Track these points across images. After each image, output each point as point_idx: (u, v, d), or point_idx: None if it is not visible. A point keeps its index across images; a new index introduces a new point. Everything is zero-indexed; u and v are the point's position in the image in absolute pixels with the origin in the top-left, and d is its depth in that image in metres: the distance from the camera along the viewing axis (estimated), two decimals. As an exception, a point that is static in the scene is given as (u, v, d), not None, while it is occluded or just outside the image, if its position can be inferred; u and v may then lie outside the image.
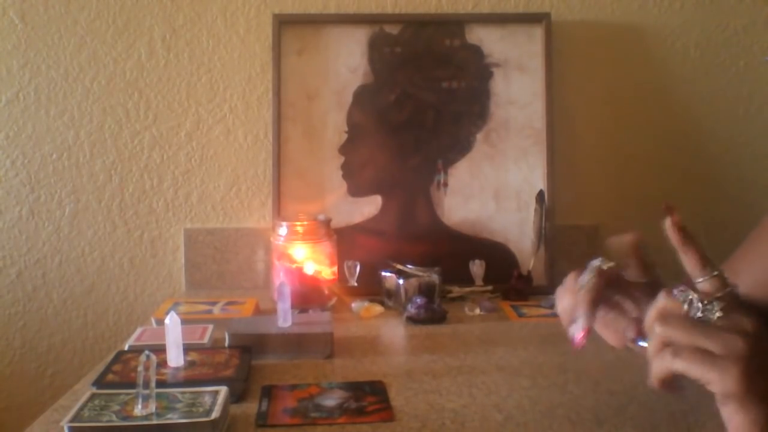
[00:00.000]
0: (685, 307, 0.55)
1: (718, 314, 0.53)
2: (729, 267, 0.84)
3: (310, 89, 1.32)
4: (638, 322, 0.63)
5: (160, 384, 0.73)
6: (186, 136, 1.34)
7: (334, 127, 1.32)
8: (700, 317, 0.54)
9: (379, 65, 1.32)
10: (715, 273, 0.56)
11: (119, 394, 0.71)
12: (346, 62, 1.32)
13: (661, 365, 0.53)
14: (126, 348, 0.92)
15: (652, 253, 1.47)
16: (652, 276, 0.69)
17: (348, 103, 1.32)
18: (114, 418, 0.66)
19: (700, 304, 0.54)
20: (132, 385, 0.69)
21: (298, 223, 1.18)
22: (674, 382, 0.54)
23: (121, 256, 1.35)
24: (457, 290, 1.23)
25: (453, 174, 1.32)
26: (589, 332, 0.64)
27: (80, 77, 1.32)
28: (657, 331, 0.54)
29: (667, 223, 0.59)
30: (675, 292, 0.56)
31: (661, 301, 0.57)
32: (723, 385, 0.50)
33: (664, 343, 0.54)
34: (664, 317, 0.55)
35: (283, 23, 1.31)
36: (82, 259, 1.35)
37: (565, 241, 1.34)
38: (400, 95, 1.32)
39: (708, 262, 0.57)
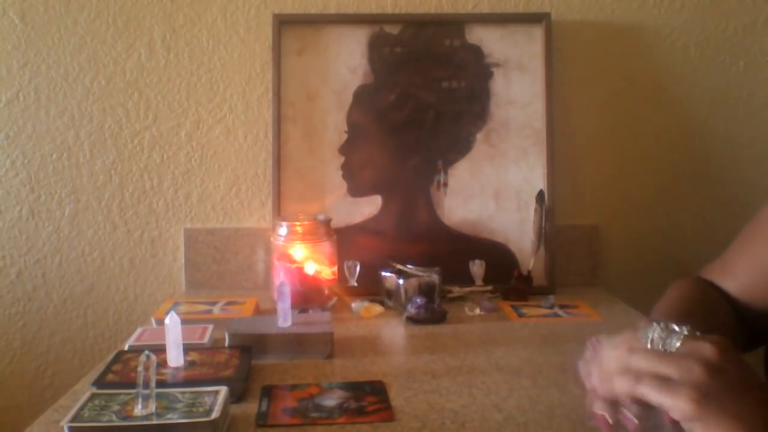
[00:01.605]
0: (648, 341, 0.57)
1: (677, 344, 0.56)
2: (723, 266, 0.84)
3: (310, 89, 1.32)
4: None
5: (160, 384, 0.73)
6: (186, 136, 1.34)
7: (334, 127, 1.32)
8: (661, 349, 0.56)
9: (379, 65, 1.32)
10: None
11: (119, 394, 0.72)
12: (346, 62, 1.32)
13: (621, 387, 0.55)
14: (126, 348, 0.92)
15: (653, 252, 1.47)
16: None
17: (348, 103, 1.32)
18: (114, 418, 0.66)
19: (660, 336, 0.57)
20: (132, 385, 0.69)
21: (298, 223, 1.18)
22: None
23: (121, 256, 1.35)
24: (457, 290, 1.23)
25: (453, 174, 1.32)
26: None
27: (80, 77, 1.32)
28: (621, 360, 0.57)
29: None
30: (639, 329, 0.59)
31: (626, 336, 0.59)
32: (679, 410, 0.52)
33: (627, 369, 0.56)
34: (629, 348, 0.57)
35: (283, 23, 1.31)
36: (82, 259, 1.35)
37: (565, 241, 1.34)
38: (400, 95, 1.32)
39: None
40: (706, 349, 0.54)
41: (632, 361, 0.56)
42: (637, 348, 0.57)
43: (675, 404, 0.52)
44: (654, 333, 0.57)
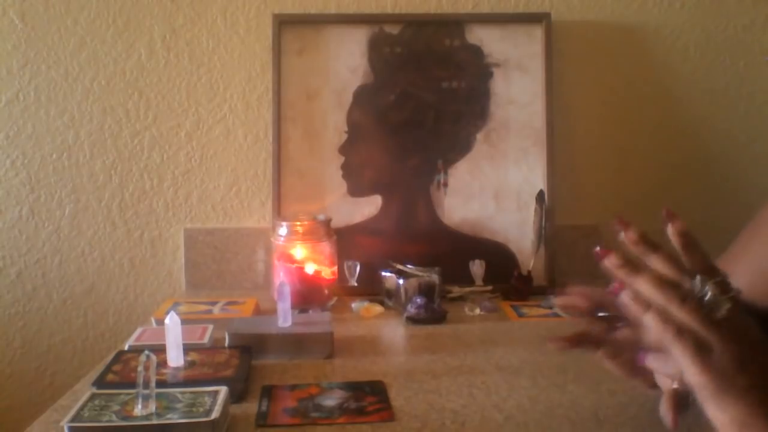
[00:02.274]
0: (699, 294, 0.55)
1: (723, 312, 0.54)
2: (723, 267, 0.84)
3: (310, 89, 1.32)
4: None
5: (160, 384, 0.73)
6: (186, 136, 1.34)
7: (334, 127, 1.32)
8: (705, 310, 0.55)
9: (379, 65, 1.32)
10: (719, 279, 0.57)
11: (119, 394, 0.72)
12: (346, 62, 1.32)
13: (656, 330, 0.54)
14: (126, 348, 0.92)
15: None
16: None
17: (348, 103, 1.32)
18: (114, 418, 0.66)
19: (711, 298, 0.55)
20: (132, 385, 0.69)
21: (298, 223, 1.18)
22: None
23: (121, 256, 1.35)
24: (457, 290, 1.23)
25: (453, 174, 1.32)
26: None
27: (80, 77, 1.32)
28: (668, 304, 0.55)
29: (670, 230, 0.59)
30: (694, 281, 0.56)
31: (678, 267, 0.58)
32: (695, 376, 0.51)
33: (668, 319, 0.54)
34: (679, 297, 0.55)
35: (283, 23, 1.31)
36: (82, 259, 1.35)
37: (565, 241, 1.34)
38: (400, 95, 1.32)
39: (712, 268, 0.58)
40: (747, 329, 0.54)
41: (680, 313, 0.54)
42: (687, 301, 0.55)
43: (696, 369, 0.51)
44: (708, 289, 0.55)
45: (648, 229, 1.50)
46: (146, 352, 0.69)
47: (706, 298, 0.55)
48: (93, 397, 0.71)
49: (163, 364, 0.81)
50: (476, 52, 1.32)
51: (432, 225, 1.31)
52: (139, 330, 0.98)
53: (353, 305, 1.16)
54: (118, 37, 1.32)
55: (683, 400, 0.58)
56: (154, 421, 0.66)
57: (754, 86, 1.37)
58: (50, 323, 1.36)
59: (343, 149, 1.32)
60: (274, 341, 0.92)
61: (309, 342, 0.92)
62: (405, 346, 1.01)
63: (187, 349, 0.85)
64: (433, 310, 1.09)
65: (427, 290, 1.13)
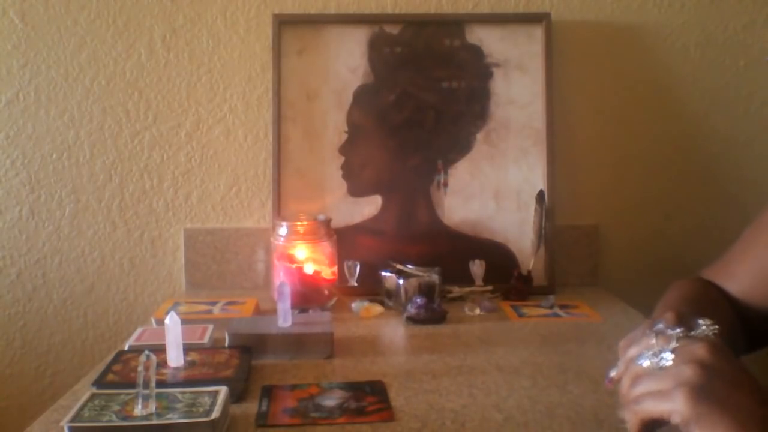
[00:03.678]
0: (646, 363, 0.57)
1: (671, 358, 0.56)
2: (724, 268, 0.84)
3: (310, 89, 1.32)
4: None
5: (160, 384, 0.73)
6: (186, 136, 1.34)
7: (334, 127, 1.32)
8: (659, 368, 0.56)
9: (379, 65, 1.32)
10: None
11: (119, 394, 0.72)
12: (346, 62, 1.32)
13: (631, 417, 0.56)
14: (126, 348, 0.92)
15: (652, 252, 1.47)
16: None
17: (348, 103, 1.32)
18: (114, 418, 0.66)
19: (655, 359, 0.57)
20: (132, 385, 0.69)
21: (299, 223, 1.18)
22: None
23: (121, 256, 1.35)
24: (457, 290, 1.23)
25: (453, 174, 1.32)
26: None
27: (80, 77, 1.32)
28: (624, 394, 0.58)
29: None
30: (638, 355, 0.58)
31: (625, 368, 0.60)
32: (678, 413, 0.52)
33: (627, 400, 0.57)
34: (630, 380, 0.58)
35: (283, 23, 1.31)
36: (82, 259, 1.35)
37: (565, 241, 1.34)
38: (400, 95, 1.32)
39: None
40: (697, 349, 0.54)
41: (631, 393, 0.57)
42: (634, 377, 0.57)
43: (672, 407, 0.52)
44: (648, 354, 0.57)
45: (648, 228, 1.50)
46: (146, 352, 0.69)
47: (651, 362, 0.56)
48: (93, 397, 0.71)
49: (163, 364, 0.81)
50: (476, 52, 1.32)
51: (432, 225, 1.31)
52: (139, 330, 0.99)
53: (353, 305, 1.16)
54: (118, 37, 1.32)
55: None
56: (154, 421, 0.66)
57: (754, 86, 1.37)
58: (50, 323, 1.36)
59: (343, 149, 1.32)
60: (274, 341, 0.92)
61: (309, 342, 0.92)
62: (405, 346, 1.01)
63: (187, 349, 0.85)
64: (433, 310, 1.09)
65: (427, 290, 1.13)
